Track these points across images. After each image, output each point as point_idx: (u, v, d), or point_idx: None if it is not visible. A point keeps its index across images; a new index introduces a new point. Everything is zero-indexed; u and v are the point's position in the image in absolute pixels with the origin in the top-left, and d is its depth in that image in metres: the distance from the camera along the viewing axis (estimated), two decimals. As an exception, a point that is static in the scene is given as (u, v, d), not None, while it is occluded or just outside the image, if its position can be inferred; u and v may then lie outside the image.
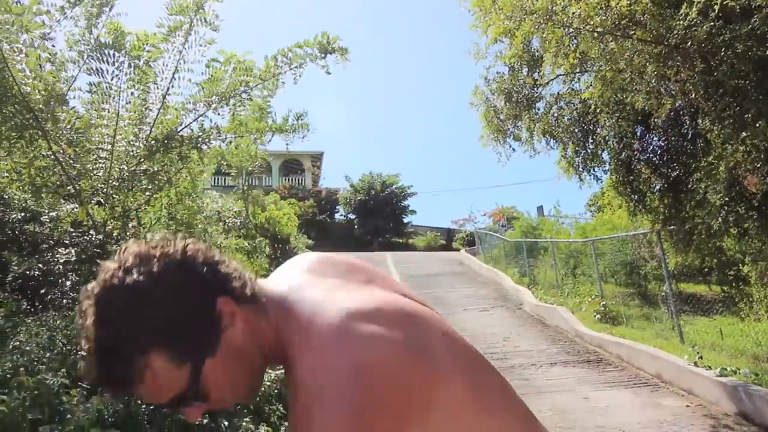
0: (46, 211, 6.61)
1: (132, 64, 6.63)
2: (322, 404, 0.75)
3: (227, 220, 9.75)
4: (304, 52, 6.97)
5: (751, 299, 9.30)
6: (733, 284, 10.36)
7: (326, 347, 0.80)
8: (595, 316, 10.88)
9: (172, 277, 0.85)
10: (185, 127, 7.28)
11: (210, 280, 0.88)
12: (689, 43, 6.06)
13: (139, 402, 3.76)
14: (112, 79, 6.69)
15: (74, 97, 6.87)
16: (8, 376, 3.20)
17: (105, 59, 6.54)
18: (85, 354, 0.84)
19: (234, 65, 7.01)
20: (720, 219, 7.93)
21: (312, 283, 0.95)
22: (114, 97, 6.80)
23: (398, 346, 0.81)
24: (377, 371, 0.77)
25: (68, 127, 6.45)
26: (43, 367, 3.39)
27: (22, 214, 6.37)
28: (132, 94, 6.82)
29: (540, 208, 28.09)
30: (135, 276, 0.82)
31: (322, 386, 0.76)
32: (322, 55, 6.95)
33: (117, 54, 6.53)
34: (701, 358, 6.55)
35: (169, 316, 0.83)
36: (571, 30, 7.18)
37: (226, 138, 7.66)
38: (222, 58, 6.96)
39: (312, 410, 0.75)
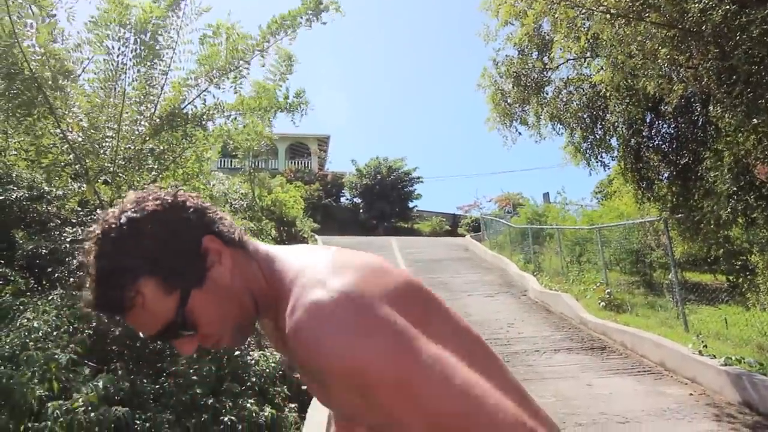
0: (54, 189, 6.61)
1: (137, 40, 6.57)
2: (350, 340, 0.78)
3: (234, 202, 9.75)
4: (297, 19, 6.89)
5: (757, 289, 9.27)
6: (740, 274, 10.32)
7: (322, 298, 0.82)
8: (599, 303, 10.87)
9: (163, 214, 0.93)
10: (189, 103, 7.24)
11: (198, 219, 0.96)
12: (704, 28, 5.97)
13: (144, 381, 3.79)
14: (118, 57, 6.65)
15: (82, 75, 6.85)
16: (17, 351, 3.22)
17: (111, 35, 6.49)
18: (85, 287, 0.92)
19: (226, 35, 6.93)
20: (729, 208, 7.87)
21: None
22: (120, 75, 6.76)
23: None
24: (373, 297, 0.83)
25: (76, 105, 6.43)
26: (51, 343, 3.41)
27: (30, 192, 6.38)
28: (138, 71, 6.78)
29: (546, 195, 27.98)
30: (130, 214, 0.92)
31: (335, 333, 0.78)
32: (316, 16, 6.86)
33: (123, 30, 6.48)
34: (705, 346, 6.54)
35: (159, 248, 0.91)
36: (583, 11, 7.08)
37: (230, 115, 7.61)
38: (211, 31, 6.88)
39: (348, 352, 0.77)
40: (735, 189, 7.83)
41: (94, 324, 4.40)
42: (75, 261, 5.65)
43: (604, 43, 7.92)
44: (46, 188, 6.47)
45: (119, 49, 6.60)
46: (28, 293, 4.86)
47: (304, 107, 7.96)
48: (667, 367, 6.90)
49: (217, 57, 6.93)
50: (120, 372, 3.88)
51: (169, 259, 0.91)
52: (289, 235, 13.59)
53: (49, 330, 3.58)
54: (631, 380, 6.58)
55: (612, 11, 6.75)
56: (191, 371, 4.19)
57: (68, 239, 5.76)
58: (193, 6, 6.71)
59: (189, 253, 0.93)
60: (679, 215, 9.99)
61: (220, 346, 0.98)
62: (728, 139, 7.62)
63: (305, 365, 0.84)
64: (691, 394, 5.94)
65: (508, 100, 11.31)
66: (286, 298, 0.89)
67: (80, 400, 2.96)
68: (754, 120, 6.26)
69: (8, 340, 3.34)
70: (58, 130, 6.27)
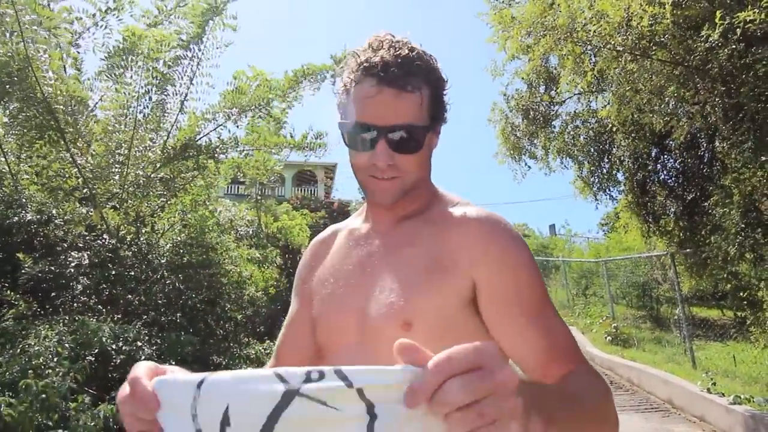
0: (61, 213, 6.65)
1: (150, 68, 6.69)
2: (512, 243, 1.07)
3: (239, 229, 9.75)
4: (324, 74, 7.06)
5: (764, 325, 9.14)
6: (747, 309, 10.19)
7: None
8: (606, 337, 10.75)
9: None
10: (204, 135, 7.34)
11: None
12: (710, 66, 6.01)
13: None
14: (131, 85, 6.77)
15: (96, 104, 6.96)
16: (17, 378, 3.20)
17: (123, 64, 6.61)
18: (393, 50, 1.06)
19: (260, 82, 7.10)
20: (736, 244, 7.82)
21: None
22: (132, 103, 6.87)
23: None
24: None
25: (87, 130, 6.52)
26: (51, 371, 3.38)
27: (38, 216, 6.41)
28: (150, 98, 6.89)
29: (552, 227, 27.96)
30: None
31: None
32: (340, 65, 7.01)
33: (134, 58, 6.60)
34: (714, 384, 6.43)
35: (441, 88, 1.12)
36: (590, 48, 7.15)
37: (243, 150, 7.72)
38: (251, 73, 7.06)
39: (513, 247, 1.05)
40: (743, 225, 7.78)
41: (96, 351, 4.38)
42: (79, 286, 5.65)
43: (610, 78, 7.98)
44: (54, 212, 6.51)
45: (131, 77, 6.72)
46: (31, 317, 4.85)
47: (323, 149, 8.10)
48: (675, 405, 6.78)
49: (243, 97, 7.09)
50: (120, 400, 3.83)
51: (440, 97, 1.11)
52: (293, 262, 13.55)
53: (49, 356, 3.55)
54: (638, 417, 6.46)
55: (618, 48, 6.82)
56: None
57: (73, 264, 5.76)
58: (215, 41, 6.87)
59: (443, 108, 1.13)
60: (687, 250, 9.92)
61: (398, 185, 1.10)
62: (735, 175, 7.60)
63: (497, 246, 1.05)
64: (699, 434, 5.83)
65: (518, 134, 11.36)
66: (441, 197, 1.19)
67: (79, 429, 2.93)
68: (762, 157, 6.26)
69: (8, 367, 3.32)
70: (68, 155, 6.34)
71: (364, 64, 1.05)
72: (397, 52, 1.05)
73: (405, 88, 1.03)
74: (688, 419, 6.32)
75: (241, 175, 8.84)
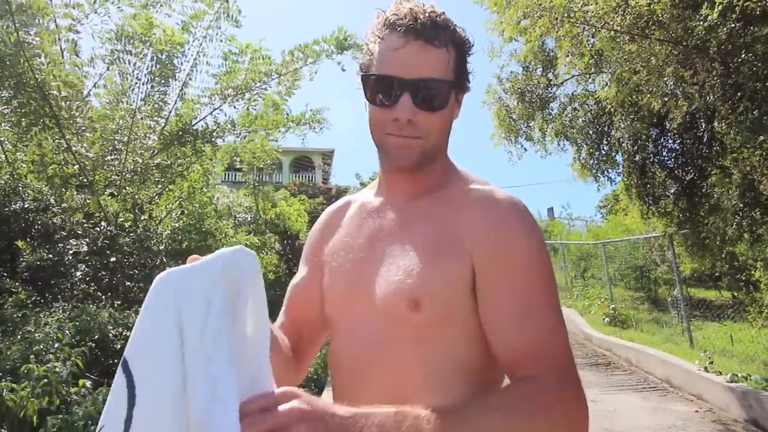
0: (59, 200, 6.64)
1: (155, 57, 6.65)
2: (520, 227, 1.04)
3: (237, 215, 9.75)
4: (320, 48, 6.98)
5: (761, 305, 9.20)
6: (744, 289, 10.24)
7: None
8: (604, 319, 10.81)
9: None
10: (200, 120, 7.30)
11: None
12: (709, 45, 5.97)
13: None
14: (133, 71, 6.73)
15: (94, 88, 6.92)
16: (17, 364, 3.21)
17: (130, 50, 6.57)
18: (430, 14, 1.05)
19: (250, 55, 7.01)
20: (734, 224, 7.84)
21: None
22: (133, 89, 6.83)
23: None
24: None
25: (82, 117, 6.48)
26: (52, 356, 3.39)
27: (36, 203, 6.40)
28: (152, 87, 6.85)
29: (551, 210, 27.98)
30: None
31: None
32: (339, 51, 6.95)
33: (142, 46, 6.55)
34: (711, 363, 6.47)
35: (466, 52, 1.11)
36: (587, 28, 7.11)
37: (240, 133, 7.68)
38: (237, 49, 6.98)
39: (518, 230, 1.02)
40: (741, 205, 7.79)
41: (97, 337, 4.40)
42: (78, 273, 5.66)
43: (608, 59, 7.93)
44: (52, 200, 6.50)
45: (135, 64, 6.68)
46: (30, 305, 4.85)
47: (321, 124, 8.06)
48: (672, 384, 6.83)
49: (236, 76, 7.02)
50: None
51: (465, 61, 1.10)
52: (292, 248, 13.56)
53: (50, 342, 3.56)
54: (636, 397, 6.51)
55: (616, 28, 6.77)
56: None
57: (72, 251, 5.76)
58: (218, 32, 6.83)
59: (467, 74, 1.12)
60: (685, 231, 9.94)
61: (418, 145, 1.06)
62: (734, 155, 7.60)
63: (499, 229, 1.02)
64: (697, 411, 5.87)
65: (513, 116, 11.32)
66: (460, 174, 1.15)
67: (80, 413, 2.94)
68: (760, 137, 6.25)
69: (9, 353, 3.33)
70: (63, 141, 6.31)
71: (392, 18, 1.04)
72: (425, 8, 1.04)
73: (432, 41, 1.02)
74: (685, 398, 6.38)
75: (239, 161, 8.81)
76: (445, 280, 1.00)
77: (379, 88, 1.04)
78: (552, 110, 11.14)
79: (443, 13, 1.06)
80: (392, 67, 1.03)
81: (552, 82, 10.66)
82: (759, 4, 5.21)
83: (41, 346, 3.47)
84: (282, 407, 0.72)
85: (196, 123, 7.24)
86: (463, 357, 1.01)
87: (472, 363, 1.01)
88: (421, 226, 1.07)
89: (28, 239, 5.95)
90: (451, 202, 1.08)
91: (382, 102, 1.05)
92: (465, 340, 1.01)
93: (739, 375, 6.00)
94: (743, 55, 5.84)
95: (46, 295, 5.37)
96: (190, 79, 7.01)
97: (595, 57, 8.05)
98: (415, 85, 1.01)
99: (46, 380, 3.05)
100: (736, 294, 11.53)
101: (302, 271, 1.27)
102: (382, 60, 1.04)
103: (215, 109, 7.26)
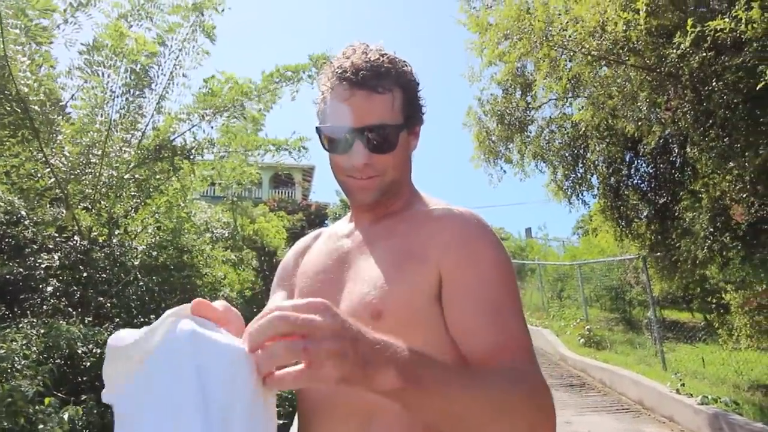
0: (32, 214, 6.53)
1: (128, 69, 6.61)
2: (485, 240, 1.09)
3: (215, 231, 9.67)
4: (300, 74, 7.06)
5: (731, 327, 9.35)
6: (715, 312, 10.41)
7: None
8: (579, 340, 10.88)
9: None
10: (178, 136, 7.26)
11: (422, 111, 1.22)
12: (681, 72, 6.12)
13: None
14: (107, 83, 6.67)
15: (70, 100, 6.84)
16: (-18, 382, 3.13)
17: (103, 62, 6.52)
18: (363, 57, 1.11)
19: (232, 85, 7.09)
20: (705, 248, 7.98)
21: None
22: (108, 102, 6.77)
23: None
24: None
25: (61, 130, 6.40)
26: (18, 374, 3.31)
27: (6, 216, 6.28)
28: (127, 99, 6.80)
29: (528, 230, 28.23)
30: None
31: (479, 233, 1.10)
32: (319, 73, 7.02)
33: (115, 57, 6.51)
34: (683, 385, 6.55)
35: (413, 88, 1.16)
36: (565, 52, 7.25)
37: (218, 152, 7.68)
38: (222, 77, 7.06)
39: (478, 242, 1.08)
40: (711, 230, 7.95)
41: (66, 353, 4.31)
42: (49, 288, 5.55)
43: (585, 83, 8.09)
44: (23, 213, 6.38)
45: (109, 76, 6.63)
46: (-1, 320, 4.74)
47: (303, 151, 8.16)
48: (645, 405, 6.89)
49: (216, 99, 7.07)
50: (90, 404, 3.78)
51: (414, 98, 1.16)
52: (269, 264, 13.48)
53: (16, 360, 3.48)
54: (609, 418, 6.55)
55: (593, 53, 6.92)
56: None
57: (43, 266, 5.65)
58: (195, 45, 6.84)
59: (419, 109, 1.18)
60: (658, 253, 10.09)
61: (376, 183, 1.14)
62: (705, 180, 7.76)
63: (463, 239, 1.07)
64: (668, 434, 5.93)
65: (493, 138, 11.42)
66: (422, 199, 1.22)
67: (46, 434, 2.87)
68: (730, 163, 6.40)
69: (-26, 370, 3.25)
70: (41, 155, 6.22)
71: (338, 71, 1.10)
72: (368, 57, 1.10)
73: (376, 89, 1.08)
74: (657, 419, 6.43)
75: (218, 178, 8.80)
76: (408, 289, 1.04)
77: (333, 137, 1.12)
78: (530, 133, 11.27)
79: (386, 56, 1.12)
80: (342, 117, 1.09)
81: (530, 105, 10.80)
82: (730, 34, 5.36)
83: (6, 363, 3.38)
84: (313, 317, 0.70)
85: (174, 138, 7.20)
86: None
87: None
88: (386, 242, 1.14)
89: (-2, 252, 5.83)
90: (415, 219, 1.16)
91: (338, 150, 1.12)
92: (430, 346, 1.02)
93: (710, 397, 6.08)
94: (714, 84, 6.00)
95: (15, 309, 5.25)
96: (167, 92, 6.99)
97: (573, 81, 8.20)
98: (365, 131, 1.08)
99: (10, 399, 2.98)
100: (707, 316, 11.70)
101: (276, 295, 1.31)
102: (334, 110, 1.11)
103: (194, 126, 7.24)
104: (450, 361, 1.03)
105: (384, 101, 1.09)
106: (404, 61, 1.17)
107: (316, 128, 1.15)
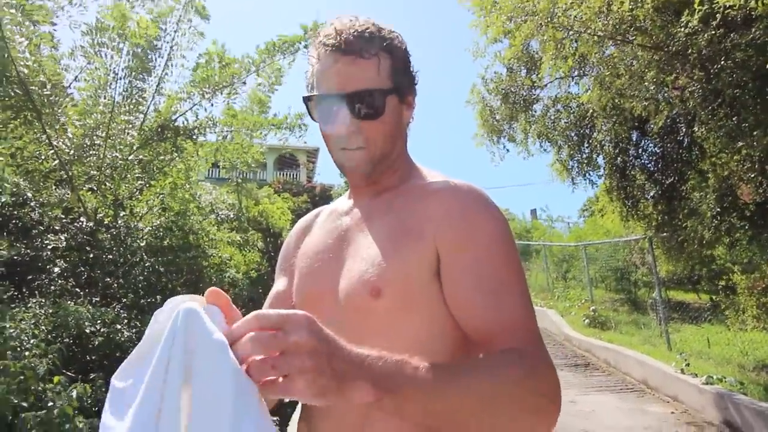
0: (38, 195, 6.55)
1: (131, 51, 6.60)
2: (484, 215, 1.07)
3: (220, 213, 9.69)
4: (297, 45, 7.02)
5: (738, 308, 9.35)
6: (722, 293, 10.40)
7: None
8: (584, 320, 10.91)
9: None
10: (180, 115, 7.25)
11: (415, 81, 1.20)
12: (689, 51, 6.04)
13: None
14: (111, 65, 6.67)
15: (74, 82, 6.84)
16: (-8, 360, 3.16)
17: (106, 44, 6.51)
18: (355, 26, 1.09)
19: (218, 59, 7.08)
20: (712, 228, 7.94)
21: None
22: (111, 84, 6.76)
23: None
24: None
25: (63, 111, 6.40)
26: (28, 353, 3.35)
27: (13, 198, 6.31)
28: (130, 82, 6.80)
29: (534, 211, 28.13)
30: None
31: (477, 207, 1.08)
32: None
33: (118, 39, 6.50)
34: (688, 365, 6.57)
35: (403, 56, 1.14)
36: (571, 33, 7.15)
37: (222, 132, 7.67)
38: (204, 60, 7.08)
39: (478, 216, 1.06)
40: (719, 210, 7.90)
41: (74, 333, 4.34)
42: (56, 269, 5.58)
43: (591, 63, 8.00)
44: (29, 195, 6.40)
45: (112, 57, 6.62)
46: (6, 300, 4.78)
47: (303, 129, 8.13)
48: (649, 385, 6.92)
49: (211, 77, 7.06)
50: (99, 382, 3.82)
51: (403, 66, 1.13)
52: (275, 246, 13.51)
53: (26, 339, 3.52)
54: (613, 398, 6.58)
55: (599, 33, 6.83)
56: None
57: (50, 247, 5.69)
58: (191, 25, 6.83)
59: (409, 77, 1.16)
60: (664, 234, 10.06)
61: (365, 155, 1.11)
62: (712, 160, 7.70)
63: (461, 213, 1.05)
64: (672, 413, 5.96)
65: (497, 117, 11.37)
66: (420, 172, 1.19)
67: (55, 411, 2.91)
68: (738, 142, 6.34)
69: (-16, 349, 3.28)
70: (44, 136, 6.22)
71: (323, 39, 1.09)
72: (353, 24, 1.09)
73: (361, 54, 1.06)
74: (662, 399, 6.46)
75: (222, 160, 8.80)
76: (407, 266, 1.03)
77: (320, 107, 1.10)
78: (535, 112, 11.20)
79: (372, 23, 1.11)
80: (328, 85, 1.08)
81: (536, 84, 10.71)
82: (739, 11, 5.27)
83: (16, 342, 3.42)
84: (293, 334, 0.71)
85: (176, 118, 7.19)
86: (428, 341, 1.02)
87: (437, 346, 1.02)
88: (383, 219, 1.12)
89: (5, 234, 5.86)
90: (412, 194, 1.13)
91: (325, 119, 1.10)
92: (430, 324, 1.03)
93: (715, 377, 6.09)
94: (723, 62, 5.92)
95: (23, 290, 5.29)
96: (166, 73, 6.98)
97: (579, 60, 8.11)
98: (350, 97, 1.06)
99: (22, 377, 3.01)
100: (713, 297, 11.70)
101: (277, 284, 1.30)
102: (319, 80, 1.09)
103: (194, 105, 7.23)
104: (449, 341, 1.03)
105: (370, 66, 1.07)
106: (392, 30, 1.14)
107: (303, 98, 1.13)
